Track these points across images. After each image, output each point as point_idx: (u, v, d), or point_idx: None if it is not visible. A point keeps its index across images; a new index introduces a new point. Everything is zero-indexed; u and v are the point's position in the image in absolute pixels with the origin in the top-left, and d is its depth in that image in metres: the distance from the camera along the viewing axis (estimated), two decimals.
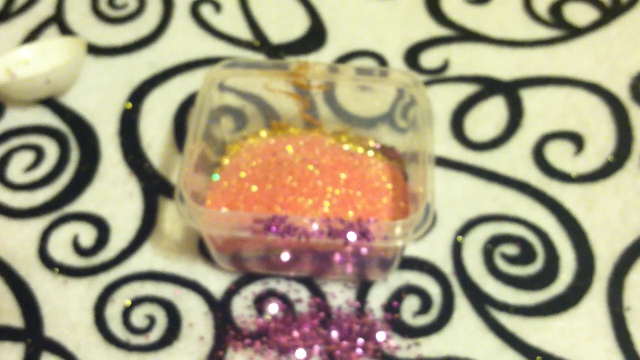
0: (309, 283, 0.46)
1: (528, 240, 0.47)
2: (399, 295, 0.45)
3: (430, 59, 0.56)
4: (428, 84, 0.55)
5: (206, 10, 0.60)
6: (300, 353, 0.43)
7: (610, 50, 0.56)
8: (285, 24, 0.59)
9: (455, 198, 0.49)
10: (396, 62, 0.56)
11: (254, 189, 0.45)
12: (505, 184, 0.50)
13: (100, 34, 0.58)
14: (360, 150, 0.49)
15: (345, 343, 0.43)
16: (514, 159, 0.51)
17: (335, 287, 0.45)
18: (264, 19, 0.59)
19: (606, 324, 0.44)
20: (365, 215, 0.44)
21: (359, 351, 0.43)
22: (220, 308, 0.45)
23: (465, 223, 0.48)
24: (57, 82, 0.52)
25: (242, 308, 0.45)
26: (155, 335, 0.44)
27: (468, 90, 0.54)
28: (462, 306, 0.45)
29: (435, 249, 0.47)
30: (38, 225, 0.48)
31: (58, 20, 0.59)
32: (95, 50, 0.57)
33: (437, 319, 0.44)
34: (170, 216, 0.49)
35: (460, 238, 0.47)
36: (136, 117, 0.53)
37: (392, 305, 0.45)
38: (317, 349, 0.43)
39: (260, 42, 0.58)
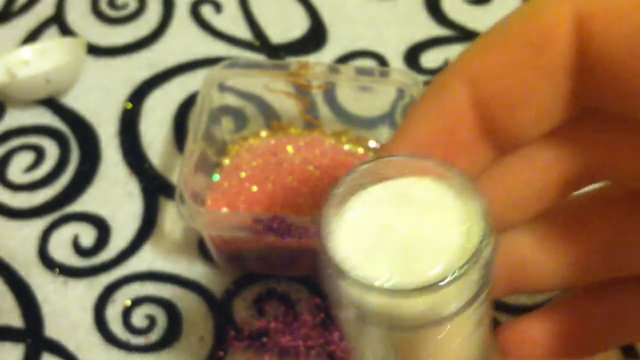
0: (309, 283, 0.46)
1: None
2: None
3: (430, 59, 0.56)
4: (428, 84, 0.55)
5: (206, 10, 0.60)
6: (300, 353, 0.43)
7: None
8: (285, 24, 0.59)
9: None
10: (396, 62, 0.56)
11: (254, 189, 0.45)
12: None
13: (100, 34, 0.58)
14: (360, 150, 0.49)
15: (345, 343, 0.43)
16: None
17: None
18: (263, 19, 0.59)
19: None
20: None
21: None
22: (220, 308, 0.45)
23: None
24: (57, 82, 0.52)
25: (242, 308, 0.45)
26: (155, 335, 0.44)
27: None
28: None
29: None
30: (38, 225, 0.48)
31: (58, 20, 0.59)
32: (95, 50, 0.57)
33: None
34: (170, 216, 0.49)
35: None
36: (136, 117, 0.53)
37: None
38: (317, 349, 0.43)
39: (260, 42, 0.58)
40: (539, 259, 0.28)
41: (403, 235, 0.23)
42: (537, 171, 0.26)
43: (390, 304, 0.22)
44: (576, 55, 0.22)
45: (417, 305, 0.22)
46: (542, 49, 0.23)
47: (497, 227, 0.27)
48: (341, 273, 0.22)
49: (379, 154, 0.25)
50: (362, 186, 0.24)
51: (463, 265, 0.22)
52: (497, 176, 0.26)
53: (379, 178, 0.24)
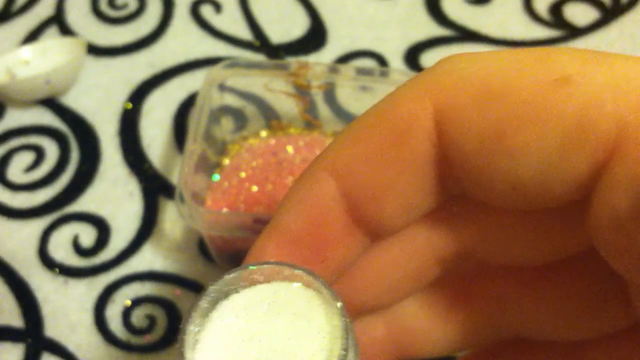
0: None
1: None
2: None
3: (430, 59, 0.56)
4: None
5: (206, 10, 0.60)
6: None
7: (610, 50, 0.56)
8: (285, 24, 0.59)
9: None
10: (396, 62, 0.56)
11: (254, 189, 0.45)
12: None
13: (100, 34, 0.58)
14: None
15: None
16: None
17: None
18: (264, 19, 0.59)
19: None
20: None
21: None
22: None
23: None
24: (57, 82, 0.52)
25: None
26: (155, 335, 0.44)
27: None
28: None
29: None
30: (38, 225, 0.48)
31: (58, 20, 0.59)
32: (95, 50, 0.57)
33: None
34: (170, 216, 0.49)
35: None
36: (136, 117, 0.53)
37: None
38: None
39: (260, 42, 0.58)
40: (425, 327, 0.29)
41: (267, 348, 0.23)
42: (411, 253, 0.27)
43: None
44: (435, 149, 0.23)
45: None
46: (402, 142, 0.23)
47: (377, 306, 0.28)
48: None
49: (251, 253, 0.26)
50: (233, 290, 0.24)
51: None
52: (372, 259, 0.27)
53: (250, 282, 0.24)
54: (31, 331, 0.44)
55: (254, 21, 0.59)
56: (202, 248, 0.47)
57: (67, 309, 0.45)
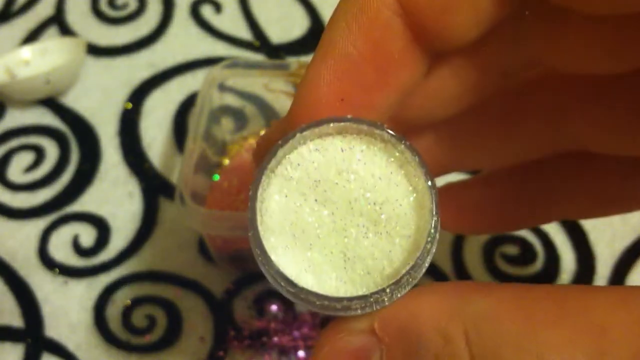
0: None
1: (528, 240, 0.47)
2: None
3: None
4: None
5: (206, 10, 0.60)
6: (301, 353, 0.43)
7: None
8: (285, 24, 0.59)
9: None
10: None
11: None
12: None
13: (100, 34, 0.58)
14: None
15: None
16: None
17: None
18: (264, 19, 0.59)
19: None
20: None
21: None
22: (220, 308, 0.45)
23: None
24: (57, 82, 0.52)
25: (242, 308, 0.45)
26: (155, 335, 0.44)
27: None
28: None
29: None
30: (38, 225, 0.48)
31: (58, 20, 0.59)
32: (95, 50, 0.57)
33: None
34: (170, 216, 0.49)
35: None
36: (136, 117, 0.53)
37: None
38: None
39: (260, 42, 0.58)
40: (484, 136, 0.29)
41: (338, 201, 0.21)
42: (474, 65, 0.25)
43: (331, 304, 0.21)
44: None
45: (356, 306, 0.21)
46: None
47: (432, 120, 0.26)
48: (276, 270, 0.21)
49: (304, 83, 0.23)
50: (302, 144, 0.22)
51: (401, 278, 0.21)
52: (430, 75, 0.25)
53: (321, 136, 0.22)
54: (31, 331, 0.44)
55: (254, 21, 0.59)
56: (202, 248, 0.47)
57: (67, 309, 0.45)
